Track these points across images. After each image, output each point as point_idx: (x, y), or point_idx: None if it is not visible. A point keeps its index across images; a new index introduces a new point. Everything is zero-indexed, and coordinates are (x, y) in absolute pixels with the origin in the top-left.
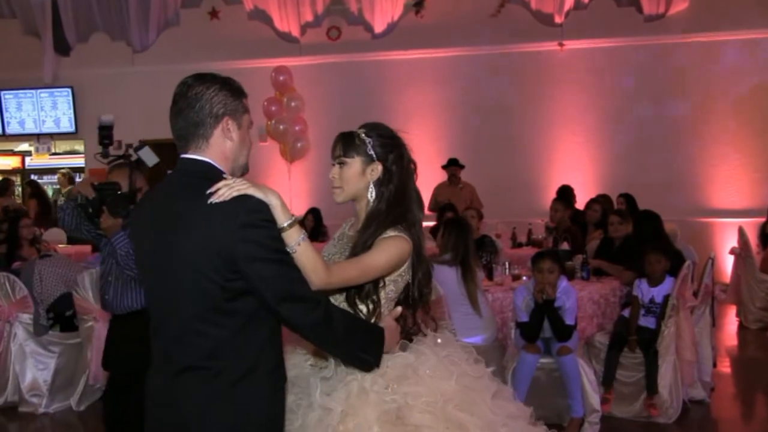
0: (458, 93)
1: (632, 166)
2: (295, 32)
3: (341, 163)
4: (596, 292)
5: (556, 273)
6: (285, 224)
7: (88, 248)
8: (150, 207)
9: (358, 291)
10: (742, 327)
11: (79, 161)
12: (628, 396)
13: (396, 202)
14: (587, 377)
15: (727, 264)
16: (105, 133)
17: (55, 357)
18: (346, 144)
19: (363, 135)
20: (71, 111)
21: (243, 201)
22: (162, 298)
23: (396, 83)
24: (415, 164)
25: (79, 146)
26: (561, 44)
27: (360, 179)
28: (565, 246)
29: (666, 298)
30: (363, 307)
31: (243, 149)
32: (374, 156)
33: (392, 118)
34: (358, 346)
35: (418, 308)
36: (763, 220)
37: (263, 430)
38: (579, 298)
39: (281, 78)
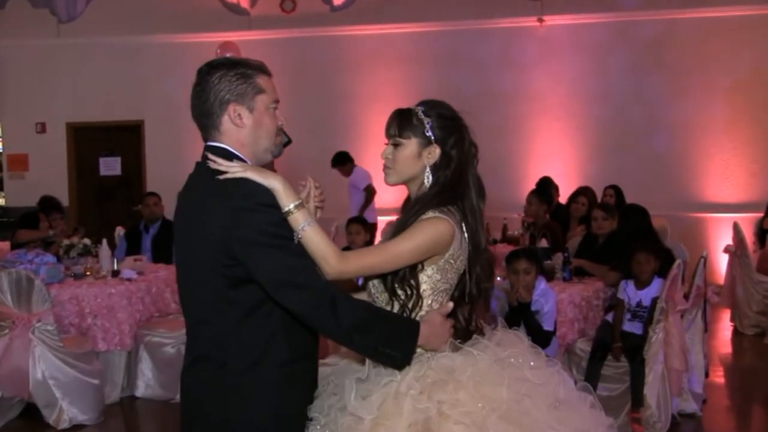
0: (425, 73)
1: (618, 156)
2: (245, 3)
3: (396, 144)
4: (578, 294)
5: (533, 274)
6: (288, 208)
7: (5, 245)
8: (180, 197)
9: (394, 275)
10: (737, 333)
11: None
12: (611, 409)
13: (449, 188)
14: None
15: (721, 263)
16: None
17: None
18: (402, 122)
19: (421, 114)
20: None
21: (238, 184)
22: (183, 287)
23: (357, 62)
24: (476, 148)
25: None
26: (541, 20)
27: (415, 162)
28: (543, 243)
29: (654, 301)
30: (401, 293)
31: (260, 132)
32: (432, 138)
33: (353, 101)
34: (379, 340)
35: (477, 305)
36: (760, 214)
37: (270, 426)
38: (559, 301)
39: (228, 55)
